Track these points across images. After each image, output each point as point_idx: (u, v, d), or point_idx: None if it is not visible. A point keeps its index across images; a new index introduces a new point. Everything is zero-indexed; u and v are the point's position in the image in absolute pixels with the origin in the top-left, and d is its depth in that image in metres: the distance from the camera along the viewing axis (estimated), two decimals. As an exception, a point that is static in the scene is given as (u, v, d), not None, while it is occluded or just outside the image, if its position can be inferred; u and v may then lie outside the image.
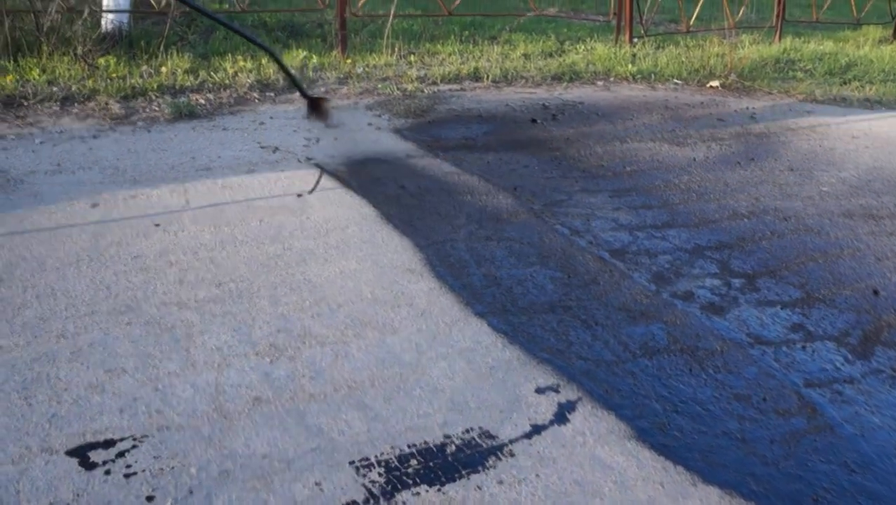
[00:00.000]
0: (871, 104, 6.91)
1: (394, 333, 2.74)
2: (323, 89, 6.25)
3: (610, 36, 8.65)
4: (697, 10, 9.26)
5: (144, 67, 6.18)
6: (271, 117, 5.44)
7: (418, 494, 2.00)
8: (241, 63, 6.48)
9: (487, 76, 6.90)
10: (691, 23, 9.13)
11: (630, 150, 5.10)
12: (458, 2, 8.11)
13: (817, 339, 2.86)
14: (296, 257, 3.29)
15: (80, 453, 2.09)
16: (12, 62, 5.89)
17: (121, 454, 2.09)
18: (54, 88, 5.55)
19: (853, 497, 2.08)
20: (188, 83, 5.97)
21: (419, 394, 2.41)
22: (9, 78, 5.58)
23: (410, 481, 2.04)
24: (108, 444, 2.13)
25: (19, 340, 2.61)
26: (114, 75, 5.93)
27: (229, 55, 6.69)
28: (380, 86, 6.40)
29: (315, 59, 6.89)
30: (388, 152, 4.77)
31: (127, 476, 2.01)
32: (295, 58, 6.83)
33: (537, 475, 2.08)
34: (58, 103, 5.39)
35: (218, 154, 4.61)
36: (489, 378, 2.50)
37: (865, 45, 9.49)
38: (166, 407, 2.29)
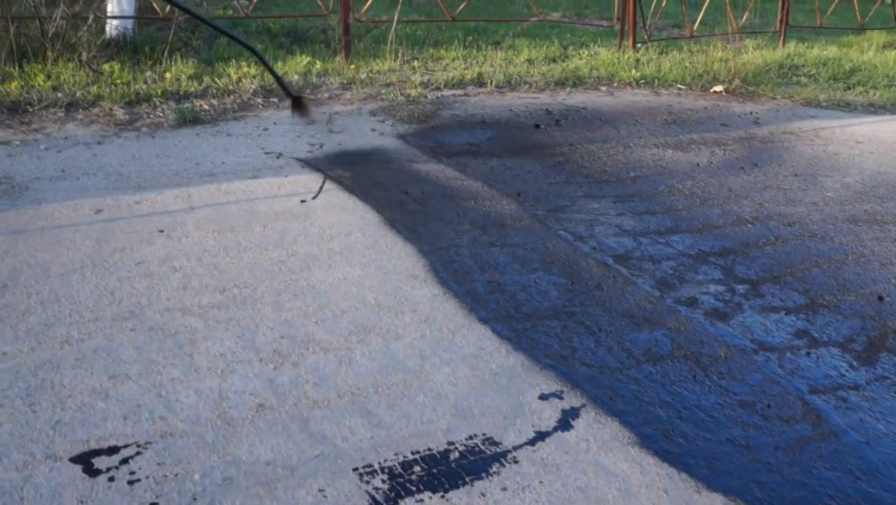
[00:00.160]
0: (874, 109, 6.90)
1: (397, 339, 2.74)
2: (326, 95, 6.26)
3: (613, 41, 8.65)
4: (701, 15, 9.27)
5: (148, 73, 6.21)
6: (275, 123, 5.45)
7: (422, 500, 2.00)
8: (245, 69, 6.50)
9: (491, 81, 6.91)
10: (695, 28, 9.14)
11: (633, 156, 5.10)
12: (461, 7, 8.13)
13: (822, 345, 2.85)
14: (299, 263, 3.30)
15: (84, 460, 2.09)
16: (17, 68, 5.92)
17: (125, 461, 2.09)
18: (59, 94, 5.58)
19: (858, 505, 2.07)
20: (192, 89, 6.00)
21: (423, 400, 2.40)
22: (14, 84, 5.60)
23: (414, 488, 2.04)
24: (112, 450, 2.13)
25: (23, 347, 2.61)
26: (118, 81, 5.95)
27: (233, 61, 6.71)
28: (383, 91, 6.41)
29: (319, 65, 6.91)
30: (392, 158, 4.78)
31: (131, 483, 2.01)
32: (298, 63, 6.85)
33: (541, 482, 2.08)
34: (62, 109, 5.41)
35: (222, 160, 4.62)
36: (493, 384, 2.50)
37: (869, 50, 9.48)
38: (170, 413, 2.30)
